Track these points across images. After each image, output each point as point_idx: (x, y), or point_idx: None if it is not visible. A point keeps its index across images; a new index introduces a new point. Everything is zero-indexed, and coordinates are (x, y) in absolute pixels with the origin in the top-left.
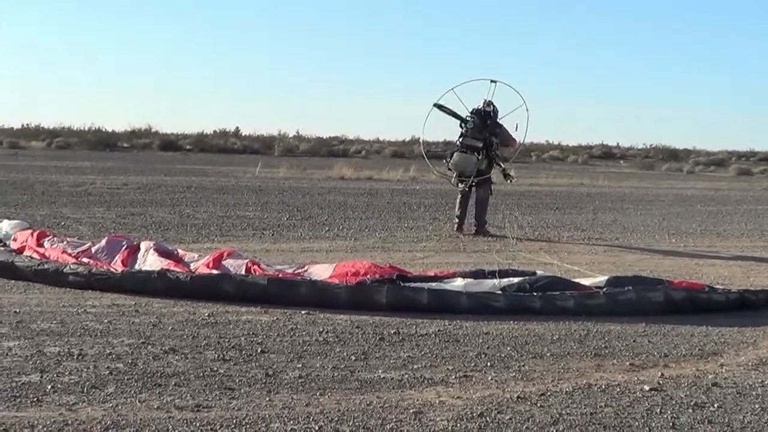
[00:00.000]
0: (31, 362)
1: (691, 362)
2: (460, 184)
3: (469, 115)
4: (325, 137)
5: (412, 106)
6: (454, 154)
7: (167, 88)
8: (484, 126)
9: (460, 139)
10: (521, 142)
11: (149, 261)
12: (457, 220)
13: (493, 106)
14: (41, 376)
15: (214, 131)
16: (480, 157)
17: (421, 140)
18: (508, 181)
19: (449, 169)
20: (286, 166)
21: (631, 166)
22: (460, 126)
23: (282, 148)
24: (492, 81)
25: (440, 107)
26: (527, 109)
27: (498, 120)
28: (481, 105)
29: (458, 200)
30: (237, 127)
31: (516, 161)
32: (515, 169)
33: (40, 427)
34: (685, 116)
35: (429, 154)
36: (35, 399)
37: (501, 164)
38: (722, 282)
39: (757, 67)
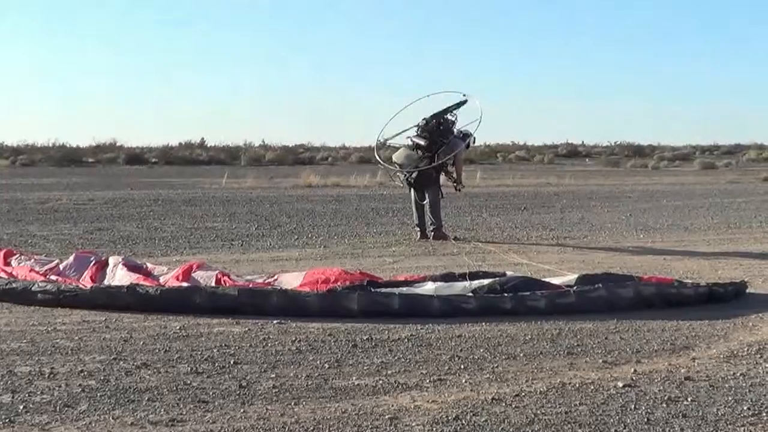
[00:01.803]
0: (1, 383)
1: (663, 357)
2: (397, 179)
3: (425, 117)
4: (290, 145)
5: (378, 112)
6: (399, 150)
7: (131, 102)
8: (435, 129)
9: (410, 136)
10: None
11: (118, 276)
12: (418, 229)
13: (453, 115)
14: (13, 397)
15: (180, 143)
16: (421, 155)
17: (380, 133)
18: (457, 190)
19: (394, 162)
20: (252, 175)
21: (596, 163)
22: (417, 125)
23: (248, 158)
24: (463, 95)
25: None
26: (479, 123)
27: (454, 130)
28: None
29: (413, 209)
30: (202, 138)
31: (482, 162)
32: (481, 171)
33: None
34: (649, 111)
35: (386, 154)
36: (7, 420)
37: (448, 170)
38: (691, 276)
39: (719, 60)
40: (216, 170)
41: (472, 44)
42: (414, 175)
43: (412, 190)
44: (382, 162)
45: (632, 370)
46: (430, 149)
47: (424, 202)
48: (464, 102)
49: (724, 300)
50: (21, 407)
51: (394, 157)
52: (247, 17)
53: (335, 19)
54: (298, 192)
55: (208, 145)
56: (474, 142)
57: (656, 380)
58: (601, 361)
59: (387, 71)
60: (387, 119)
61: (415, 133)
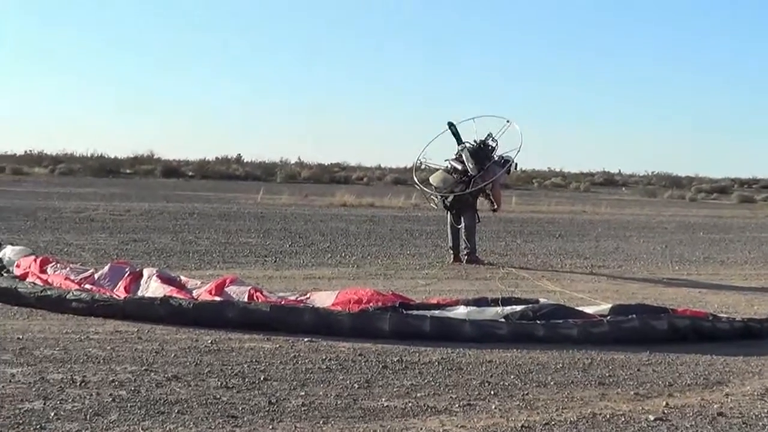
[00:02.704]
0: (34, 389)
1: (696, 391)
2: (432, 201)
3: (467, 142)
4: (326, 164)
5: (414, 133)
6: (436, 172)
7: (170, 116)
8: (474, 154)
9: (449, 159)
10: (501, 181)
11: (152, 288)
12: (452, 252)
13: (495, 141)
14: (44, 404)
15: (216, 158)
16: (457, 178)
17: (416, 159)
18: (494, 211)
19: (431, 184)
20: (287, 192)
21: (633, 193)
22: (457, 148)
23: (284, 175)
24: (507, 121)
25: (452, 125)
26: (519, 151)
27: (494, 156)
28: (485, 137)
29: (449, 231)
30: (239, 154)
31: (517, 188)
32: (516, 197)
33: None
34: (687, 142)
35: (423, 175)
36: (38, 426)
37: (487, 192)
38: (726, 310)
39: (760, 92)
40: (252, 186)
41: (509, 69)
42: (450, 198)
43: (449, 213)
44: (418, 183)
45: (664, 403)
46: (466, 173)
47: (460, 226)
48: (451, 127)
49: (760, 336)
50: (52, 414)
51: (431, 179)
52: (287, 35)
53: (373, 39)
54: (333, 211)
55: (245, 161)
56: (516, 168)
57: (688, 415)
58: (632, 392)
59: (424, 94)
60: (423, 142)
61: (454, 156)
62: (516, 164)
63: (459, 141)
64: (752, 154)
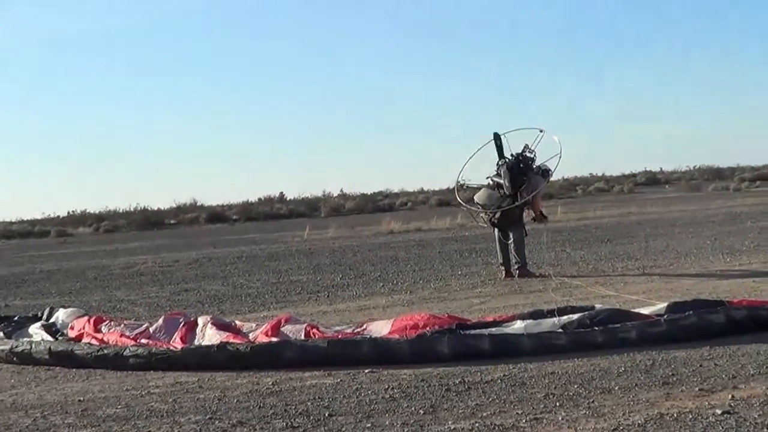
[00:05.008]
0: None
1: (760, 381)
2: (480, 219)
3: (508, 156)
4: (369, 193)
5: (454, 153)
6: (480, 190)
7: (208, 160)
8: (515, 167)
9: (490, 176)
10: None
11: (208, 335)
12: (502, 268)
13: (532, 152)
14: None
15: (259, 198)
16: (503, 194)
17: (458, 175)
18: (544, 221)
19: (476, 202)
20: (334, 226)
21: (677, 189)
22: (497, 164)
23: (328, 209)
24: (540, 130)
25: (497, 137)
26: (560, 157)
27: (534, 167)
28: (522, 150)
29: (497, 248)
30: (281, 192)
31: (561, 197)
32: (561, 206)
33: None
34: (725, 133)
35: (466, 195)
36: None
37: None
38: None
39: None
40: (297, 223)
41: (541, 80)
42: (497, 214)
43: (496, 229)
44: (463, 203)
45: (730, 396)
46: (512, 188)
47: (509, 242)
48: (497, 140)
49: None
50: None
51: (476, 198)
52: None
53: (402, 62)
54: (381, 239)
55: (288, 198)
56: (551, 176)
57: (755, 405)
58: (697, 389)
59: (461, 111)
60: (463, 160)
61: (495, 172)
62: (551, 172)
63: (501, 155)
64: None
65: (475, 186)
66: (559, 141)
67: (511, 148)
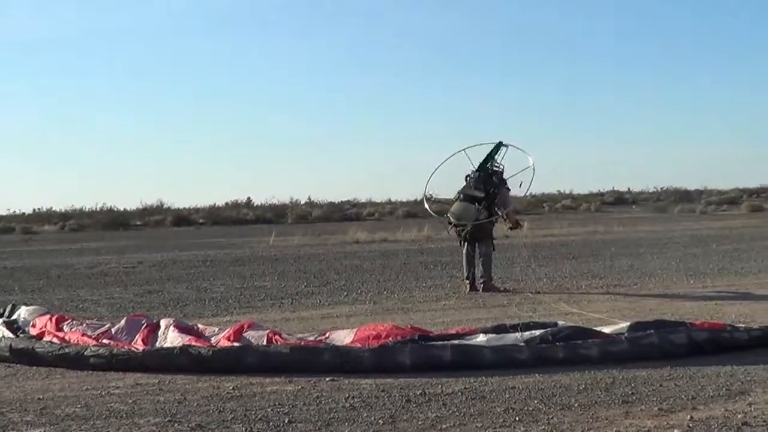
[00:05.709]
0: None
1: (719, 403)
2: (454, 232)
3: (475, 170)
4: (336, 202)
5: (423, 165)
6: (455, 203)
7: (176, 163)
8: (488, 179)
9: (461, 190)
10: (520, 198)
11: (170, 338)
12: (467, 281)
13: (499, 166)
14: None
15: (226, 203)
16: (479, 207)
17: (425, 187)
18: (520, 228)
19: (448, 218)
20: (300, 233)
21: (643, 210)
22: (465, 178)
23: (295, 216)
24: (503, 145)
25: (502, 145)
26: (534, 169)
27: (504, 178)
28: (485, 161)
29: (464, 261)
30: (248, 198)
31: (529, 213)
32: (528, 222)
33: None
34: (693, 156)
35: (434, 207)
36: None
37: (502, 216)
38: (744, 320)
39: (763, 99)
40: (263, 229)
41: (512, 95)
42: (469, 227)
43: (465, 242)
44: (434, 214)
45: (688, 417)
46: (488, 203)
47: (478, 255)
48: (500, 146)
49: None
50: None
51: (453, 210)
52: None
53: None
54: (347, 248)
55: (255, 204)
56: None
57: (713, 427)
58: (656, 408)
59: (429, 124)
60: (429, 173)
61: (470, 185)
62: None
63: (482, 166)
64: (760, 163)
65: (443, 200)
66: (533, 161)
67: (473, 164)
